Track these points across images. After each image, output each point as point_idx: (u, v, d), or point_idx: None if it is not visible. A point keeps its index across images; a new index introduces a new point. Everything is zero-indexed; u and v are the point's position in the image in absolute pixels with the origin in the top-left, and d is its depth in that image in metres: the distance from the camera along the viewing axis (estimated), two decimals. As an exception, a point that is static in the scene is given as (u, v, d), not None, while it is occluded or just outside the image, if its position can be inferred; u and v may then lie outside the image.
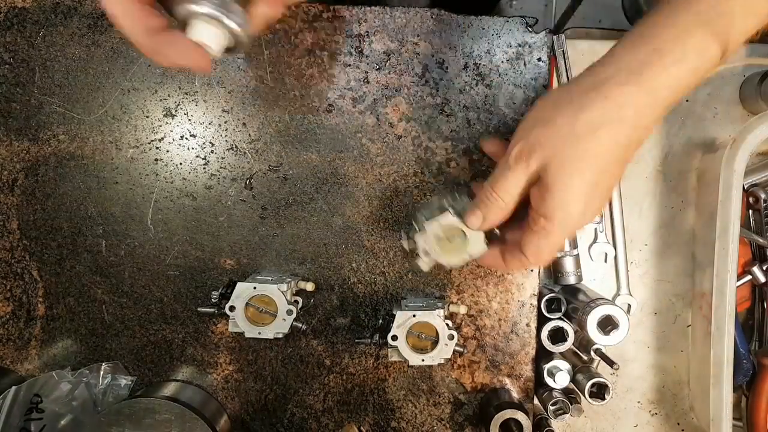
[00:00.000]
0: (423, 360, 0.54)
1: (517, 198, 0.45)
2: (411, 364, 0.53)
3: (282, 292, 0.55)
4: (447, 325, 0.55)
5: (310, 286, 0.60)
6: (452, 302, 0.62)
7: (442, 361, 0.56)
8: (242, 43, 0.38)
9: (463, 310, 0.61)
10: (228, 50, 0.39)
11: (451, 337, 0.54)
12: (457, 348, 0.56)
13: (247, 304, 0.55)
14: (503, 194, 0.45)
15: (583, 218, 0.42)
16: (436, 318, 0.53)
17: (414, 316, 0.52)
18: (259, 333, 0.55)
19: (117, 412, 0.56)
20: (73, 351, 0.62)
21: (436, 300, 0.61)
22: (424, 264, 0.51)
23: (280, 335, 0.56)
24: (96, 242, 0.62)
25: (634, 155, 0.42)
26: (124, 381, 0.61)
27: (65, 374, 0.60)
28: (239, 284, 0.55)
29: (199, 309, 0.59)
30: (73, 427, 0.59)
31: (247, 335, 0.55)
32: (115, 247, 0.62)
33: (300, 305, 0.58)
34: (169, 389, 0.60)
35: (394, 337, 0.52)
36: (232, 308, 0.55)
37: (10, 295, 0.62)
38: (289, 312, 0.55)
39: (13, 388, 0.58)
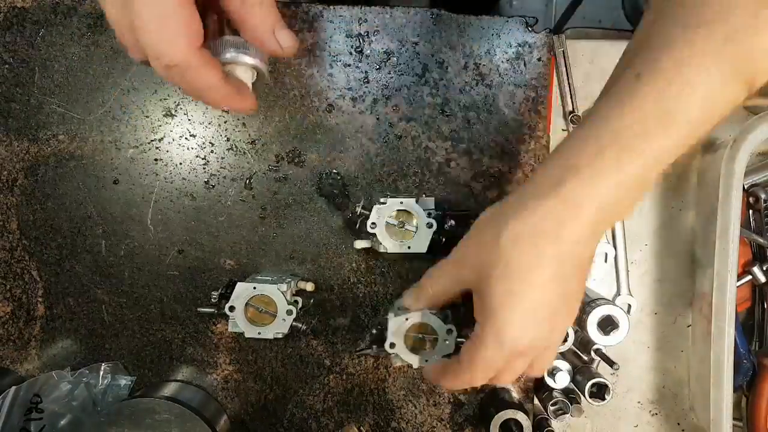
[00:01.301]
0: (426, 360, 0.53)
1: (445, 295, 0.48)
2: (415, 367, 0.53)
3: (282, 293, 0.55)
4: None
5: (310, 286, 0.60)
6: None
7: (280, 336, 0.56)
8: (264, 77, 0.42)
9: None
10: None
11: (450, 332, 0.54)
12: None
13: (246, 304, 0.55)
14: (433, 286, 0.49)
15: (523, 332, 0.41)
16: (429, 316, 0.53)
17: (407, 319, 0.52)
18: (259, 333, 0.55)
19: (117, 412, 0.56)
20: (73, 351, 0.62)
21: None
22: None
23: (280, 335, 0.56)
24: (96, 242, 0.62)
25: (583, 274, 0.42)
26: (124, 381, 0.61)
27: (65, 374, 0.60)
28: (239, 284, 0.55)
29: (198, 309, 0.59)
30: (73, 427, 0.59)
31: (246, 335, 0.55)
32: (114, 247, 0.62)
33: (300, 305, 0.58)
34: (169, 389, 0.60)
35: (392, 345, 0.52)
36: (231, 308, 0.54)
37: (10, 295, 0.62)
38: (289, 312, 0.55)
39: (13, 388, 0.58)
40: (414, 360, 0.53)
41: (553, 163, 0.40)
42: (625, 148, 0.37)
